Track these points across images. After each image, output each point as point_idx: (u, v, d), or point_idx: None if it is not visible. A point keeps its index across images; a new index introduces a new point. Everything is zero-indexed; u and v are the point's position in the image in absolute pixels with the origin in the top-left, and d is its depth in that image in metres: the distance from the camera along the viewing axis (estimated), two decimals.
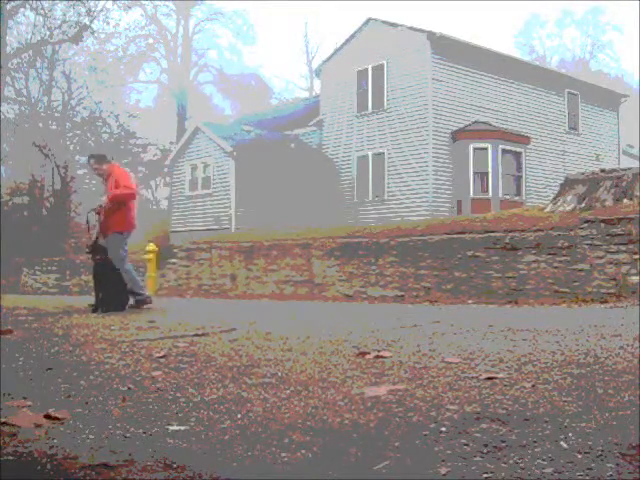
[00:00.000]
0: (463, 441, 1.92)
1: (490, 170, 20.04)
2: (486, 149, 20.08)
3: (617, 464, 1.69)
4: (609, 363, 3.24)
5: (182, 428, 2.14)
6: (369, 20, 22.18)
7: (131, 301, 7.86)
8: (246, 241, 14.82)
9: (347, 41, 22.79)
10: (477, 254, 10.63)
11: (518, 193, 20.84)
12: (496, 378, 2.85)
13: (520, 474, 1.64)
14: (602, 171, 11.67)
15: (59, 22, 29.79)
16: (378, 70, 21.39)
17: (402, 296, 11.32)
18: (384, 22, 21.58)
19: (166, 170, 28.23)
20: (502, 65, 21.75)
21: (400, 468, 1.72)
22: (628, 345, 3.90)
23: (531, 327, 5.13)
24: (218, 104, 47.31)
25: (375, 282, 11.93)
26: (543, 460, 1.74)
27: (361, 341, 4.37)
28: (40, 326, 5.76)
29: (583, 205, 10.73)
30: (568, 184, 11.53)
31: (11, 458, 1.78)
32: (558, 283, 9.69)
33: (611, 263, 9.23)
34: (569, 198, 11.13)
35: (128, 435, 2.06)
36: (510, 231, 10.47)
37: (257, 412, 2.35)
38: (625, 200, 10.28)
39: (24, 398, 2.58)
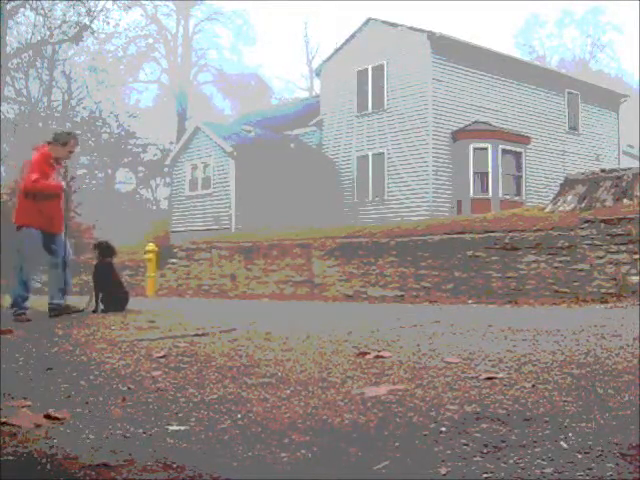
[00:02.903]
0: (463, 441, 1.92)
1: (490, 170, 20.04)
2: (486, 149, 20.08)
3: (617, 464, 1.68)
4: (609, 363, 3.24)
5: (182, 428, 2.14)
6: (369, 20, 22.17)
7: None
8: (246, 241, 14.81)
9: (347, 41, 22.77)
10: (477, 254, 10.63)
11: (518, 193, 20.83)
12: (496, 378, 2.85)
13: (520, 474, 1.64)
14: (602, 171, 11.68)
15: (59, 22, 29.83)
16: (378, 70, 21.38)
17: (402, 296, 11.32)
18: (384, 22, 21.57)
19: (166, 170, 28.23)
20: (502, 65, 21.74)
21: (400, 468, 1.72)
22: (628, 345, 3.90)
23: (531, 327, 5.13)
24: (218, 104, 47.36)
25: (375, 282, 11.93)
26: (543, 460, 1.74)
27: (361, 341, 4.37)
28: (40, 326, 5.76)
29: (583, 205, 10.73)
30: (568, 184, 11.53)
31: (11, 458, 1.78)
32: (558, 283, 9.69)
33: (611, 263, 9.23)
34: (569, 198, 11.13)
35: (128, 435, 2.06)
36: (510, 231, 10.47)
37: (257, 412, 2.34)
38: (625, 200, 10.28)
39: (24, 398, 2.57)
